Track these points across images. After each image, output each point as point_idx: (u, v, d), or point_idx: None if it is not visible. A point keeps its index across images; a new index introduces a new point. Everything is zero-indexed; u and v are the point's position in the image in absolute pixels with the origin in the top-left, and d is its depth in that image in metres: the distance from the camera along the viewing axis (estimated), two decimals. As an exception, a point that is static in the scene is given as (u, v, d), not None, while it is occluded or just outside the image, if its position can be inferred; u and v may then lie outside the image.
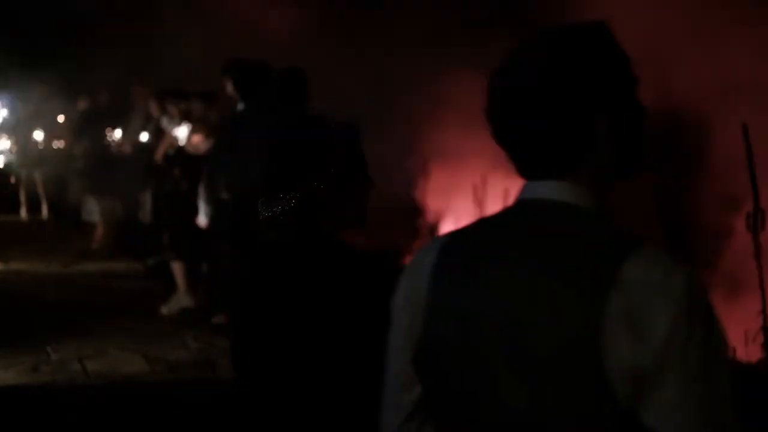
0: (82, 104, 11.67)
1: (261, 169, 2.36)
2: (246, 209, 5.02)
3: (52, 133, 13.32)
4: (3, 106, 14.48)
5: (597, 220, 1.55)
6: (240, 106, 6.84)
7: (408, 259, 1.87)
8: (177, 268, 8.09)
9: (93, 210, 10.98)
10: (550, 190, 1.57)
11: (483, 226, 1.65)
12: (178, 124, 7.96)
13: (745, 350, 5.54)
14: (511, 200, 1.67)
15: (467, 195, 8.27)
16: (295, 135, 2.38)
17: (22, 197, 14.31)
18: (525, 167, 1.61)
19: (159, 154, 8.31)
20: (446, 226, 8.22)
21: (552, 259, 1.49)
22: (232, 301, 2.48)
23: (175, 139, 7.93)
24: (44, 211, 13.99)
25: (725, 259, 6.80)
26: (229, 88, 7.07)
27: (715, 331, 1.44)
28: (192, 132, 7.80)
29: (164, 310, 7.99)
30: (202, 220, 7.19)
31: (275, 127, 2.67)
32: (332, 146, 2.30)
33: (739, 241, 6.15)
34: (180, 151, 7.93)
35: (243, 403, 2.43)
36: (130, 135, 10.52)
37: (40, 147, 13.89)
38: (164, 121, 8.33)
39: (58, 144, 13.21)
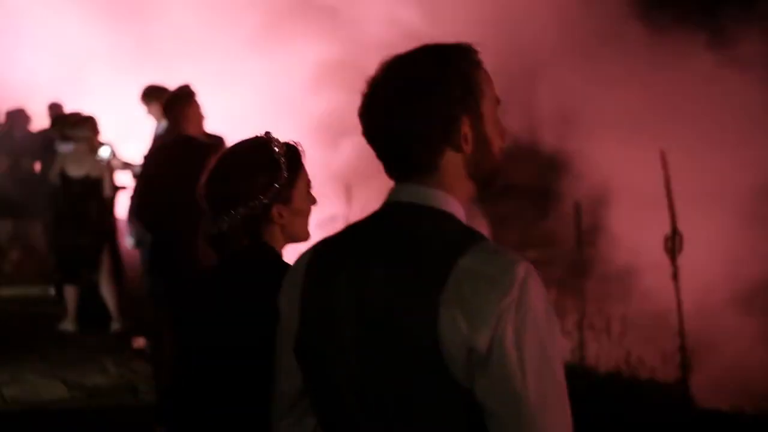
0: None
1: (205, 191, 2.37)
2: (184, 233, 4.99)
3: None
4: None
5: (449, 222, 1.68)
6: (160, 130, 6.75)
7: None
8: (69, 292, 8.12)
9: (10, 233, 10.70)
10: (410, 194, 1.70)
11: (351, 230, 1.78)
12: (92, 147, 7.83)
13: (662, 370, 5.69)
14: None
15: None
16: (236, 155, 2.41)
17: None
18: (389, 166, 1.74)
19: (51, 177, 8.18)
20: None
21: (401, 258, 1.63)
22: (169, 324, 2.47)
23: (63, 161, 7.85)
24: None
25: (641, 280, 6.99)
26: (154, 111, 7.01)
27: (544, 319, 1.58)
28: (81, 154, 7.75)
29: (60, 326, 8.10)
30: (129, 242, 7.09)
31: (210, 149, 2.69)
32: (276, 163, 2.33)
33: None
34: (63, 173, 7.87)
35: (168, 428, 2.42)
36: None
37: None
38: (58, 144, 8.16)
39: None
